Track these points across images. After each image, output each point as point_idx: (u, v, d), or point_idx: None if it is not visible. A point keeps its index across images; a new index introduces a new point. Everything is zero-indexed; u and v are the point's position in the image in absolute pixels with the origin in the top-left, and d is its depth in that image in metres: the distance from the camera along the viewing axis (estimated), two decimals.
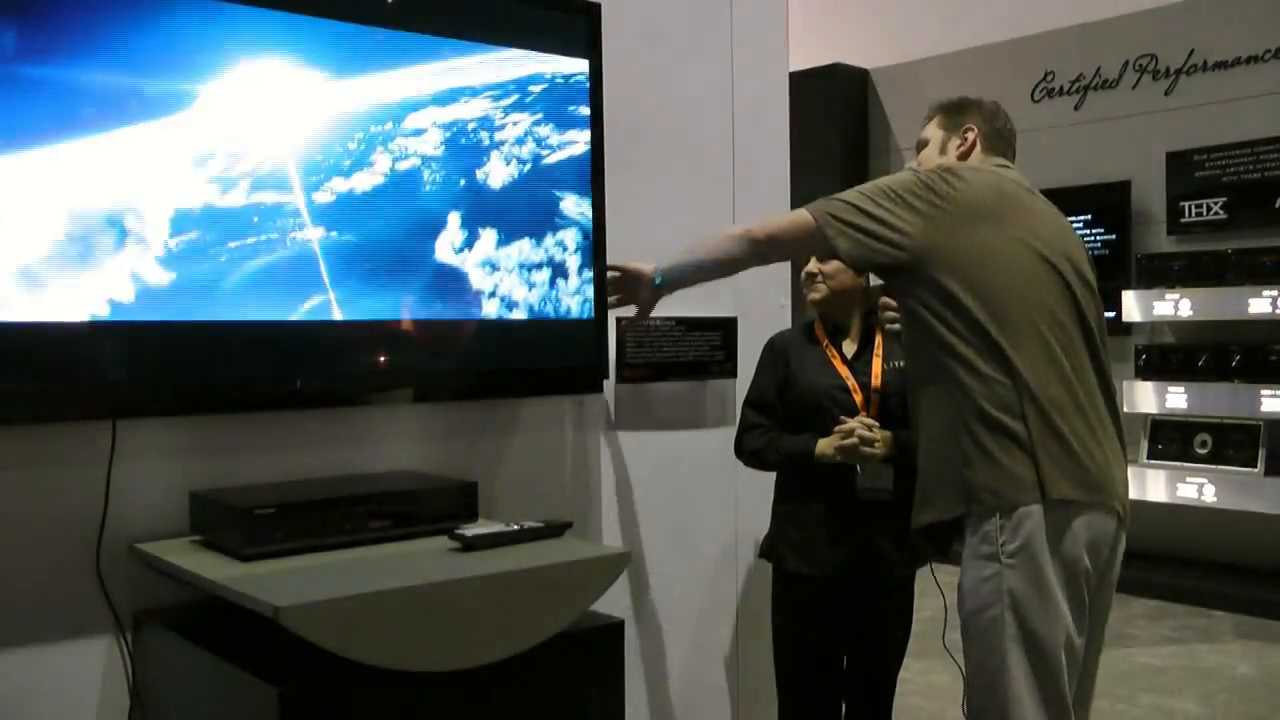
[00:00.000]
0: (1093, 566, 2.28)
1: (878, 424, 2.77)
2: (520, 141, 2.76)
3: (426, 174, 2.61)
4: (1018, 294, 2.28)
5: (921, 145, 2.70)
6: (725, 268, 2.67)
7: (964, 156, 2.60)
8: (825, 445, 2.78)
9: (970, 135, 2.62)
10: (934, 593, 3.03)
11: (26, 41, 2.13)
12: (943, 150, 2.64)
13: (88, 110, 2.19)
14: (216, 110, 2.33)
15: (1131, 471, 6.58)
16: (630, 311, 2.86)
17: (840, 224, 2.37)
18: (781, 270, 3.44)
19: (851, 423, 2.75)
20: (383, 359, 2.60)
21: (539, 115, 2.79)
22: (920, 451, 2.42)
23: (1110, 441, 2.35)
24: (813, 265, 2.92)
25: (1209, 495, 6.21)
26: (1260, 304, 6.02)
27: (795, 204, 3.51)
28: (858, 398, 2.83)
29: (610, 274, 2.84)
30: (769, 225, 2.53)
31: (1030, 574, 2.21)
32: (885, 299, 2.86)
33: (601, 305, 2.89)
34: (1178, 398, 6.37)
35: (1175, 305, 6.35)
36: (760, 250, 2.53)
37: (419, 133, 2.59)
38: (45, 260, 2.14)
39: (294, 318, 2.43)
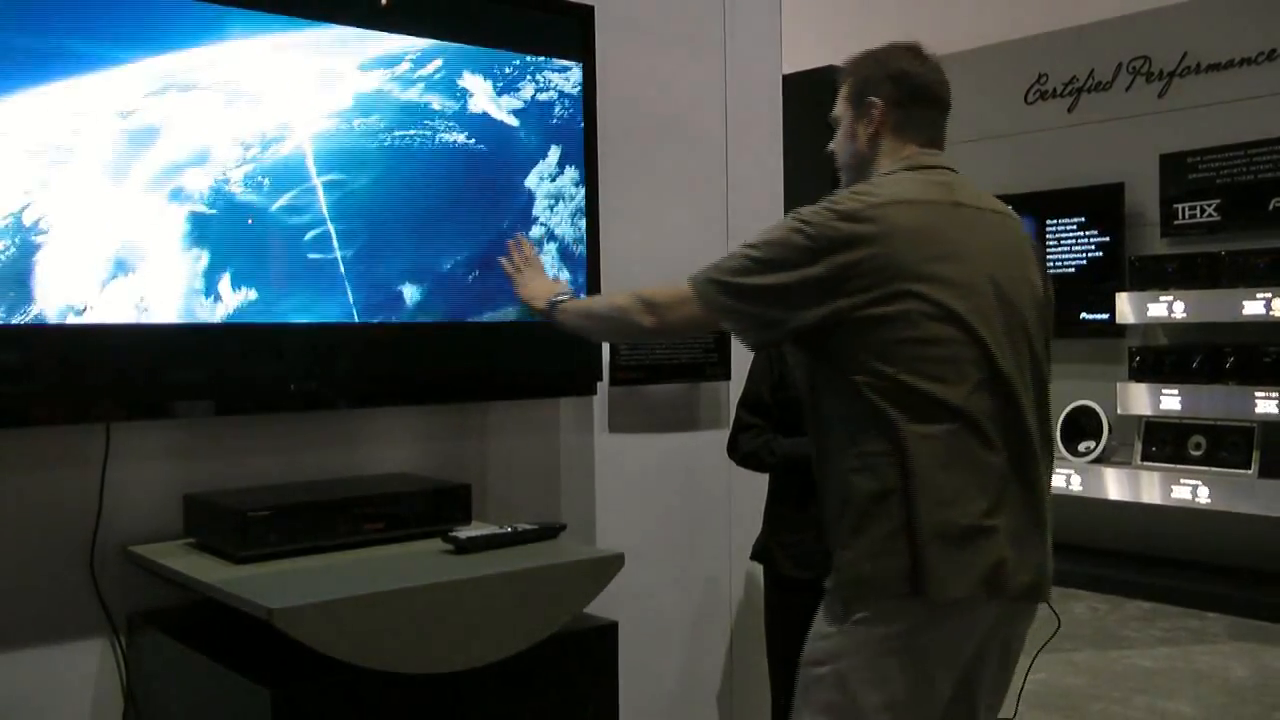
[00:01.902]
0: (956, 659, 2.00)
1: None
2: (514, 144, 2.76)
3: (421, 176, 2.61)
4: (928, 374, 1.94)
5: (835, 126, 2.27)
6: (614, 327, 2.42)
7: (873, 140, 2.17)
8: None
9: (875, 112, 2.16)
10: None
11: None
12: (852, 135, 2.21)
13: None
14: (193, 112, 2.34)
15: (1126, 473, 6.61)
16: None
17: (732, 307, 2.05)
18: None
19: None
20: (376, 361, 2.60)
21: (533, 118, 2.79)
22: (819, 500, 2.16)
23: (1031, 517, 2.01)
24: None
25: (1203, 497, 6.22)
26: (1254, 306, 6.03)
27: (788, 208, 3.53)
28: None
29: (519, 249, 2.66)
30: (656, 296, 2.20)
31: (874, 656, 1.96)
32: None
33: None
34: (1171, 399, 6.38)
35: (1169, 307, 6.36)
36: (655, 325, 2.21)
37: (413, 134, 2.59)
38: (37, 263, 2.14)
39: (287, 320, 2.43)
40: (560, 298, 2.48)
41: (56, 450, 2.29)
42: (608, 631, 2.38)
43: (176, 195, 2.29)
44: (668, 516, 3.28)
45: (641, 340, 2.53)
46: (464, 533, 2.33)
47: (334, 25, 2.49)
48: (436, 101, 2.63)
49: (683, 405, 3.33)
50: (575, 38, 2.87)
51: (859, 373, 1.96)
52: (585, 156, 2.88)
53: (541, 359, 2.87)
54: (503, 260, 2.67)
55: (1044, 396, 2.11)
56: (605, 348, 3.05)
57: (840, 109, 2.24)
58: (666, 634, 3.28)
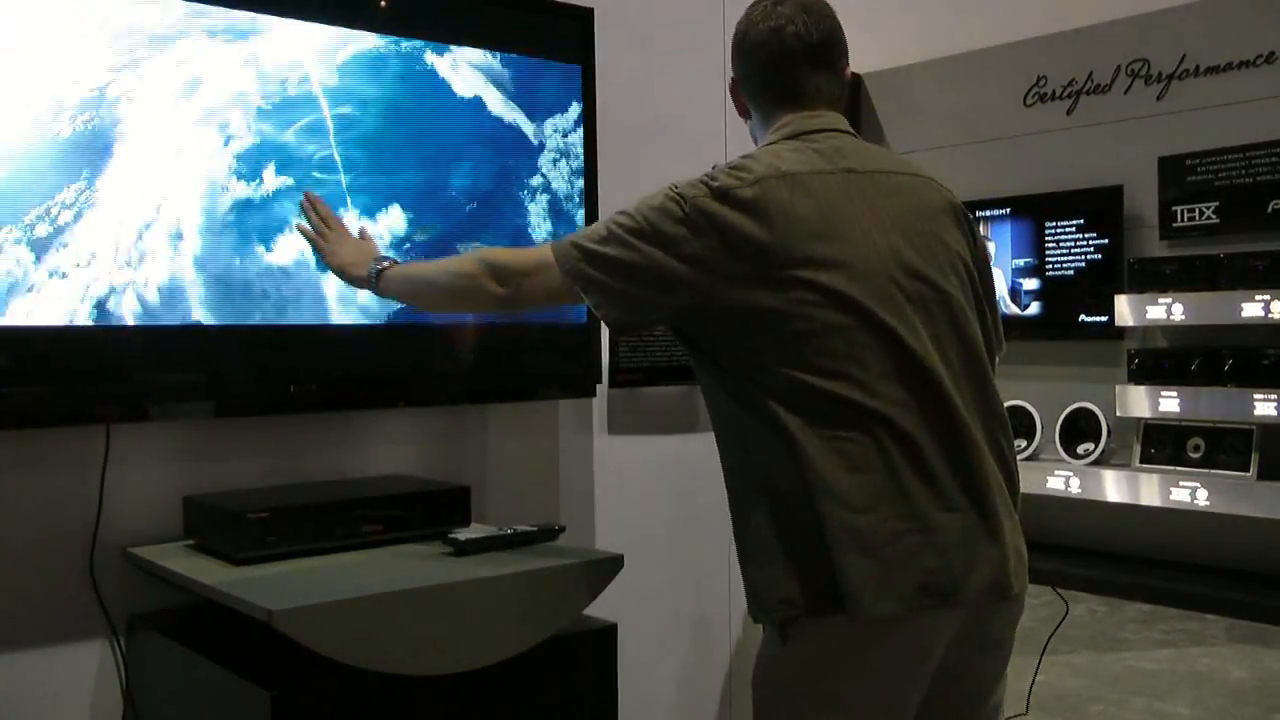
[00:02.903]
0: (924, 675, 1.83)
1: None
2: (514, 146, 2.76)
3: (419, 177, 2.61)
4: (826, 370, 1.75)
5: None
6: (455, 296, 2.11)
7: (743, 114, 2.03)
8: None
9: (734, 85, 2.00)
10: None
11: None
12: (740, 114, 2.04)
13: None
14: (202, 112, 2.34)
15: (1124, 476, 6.58)
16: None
17: (593, 278, 1.85)
18: None
19: None
20: (375, 363, 2.60)
21: (532, 119, 2.79)
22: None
23: (980, 512, 1.80)
24: None
25: (1202, 499, 6.20)
26: (1253, 308, 6.02)
27: None
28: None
29: (314, 209, 2.34)
30: (509, 261, 1.97)
31: (813, 678, 1.81)
32: None
33: None
34: (1170, 402, 6.36)
35: (1167, 309, 6.35)
36: (507, 295, 1.97)
37: (411, 135, 2.59)
38: (36, 264, 2.14)
39: (287, 321, 2.43)
40: (382, 264, 2.19)
41: (56, 452, 2.29)
42: (607, 633, 2.39)
43: (177, 195, 2.29)
44: (667, 518, 3.28)
45: (489, 313, 2.32)
46: (463, 534, 2.33)
47: (332, 26, 2.49)
48: (441, 101, 2.63)
49: (682, 407, 3.33)
50: (575, 39, 2.87)
51: (749, 374, 1.78)
52: (585, 158, 2.88)
53: (541, 361, 2.87)
54: (298, 223, 2.34)
55: (980, 367, 1.87)
56: (605, 350, 3.05)
57: None
58: (666, 635, 3.28)
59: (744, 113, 2.02)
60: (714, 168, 1.86)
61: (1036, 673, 2.65)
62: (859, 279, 1.77)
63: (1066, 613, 2.56)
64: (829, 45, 1.93)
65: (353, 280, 2.27)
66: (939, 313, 1.84)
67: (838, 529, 1.72)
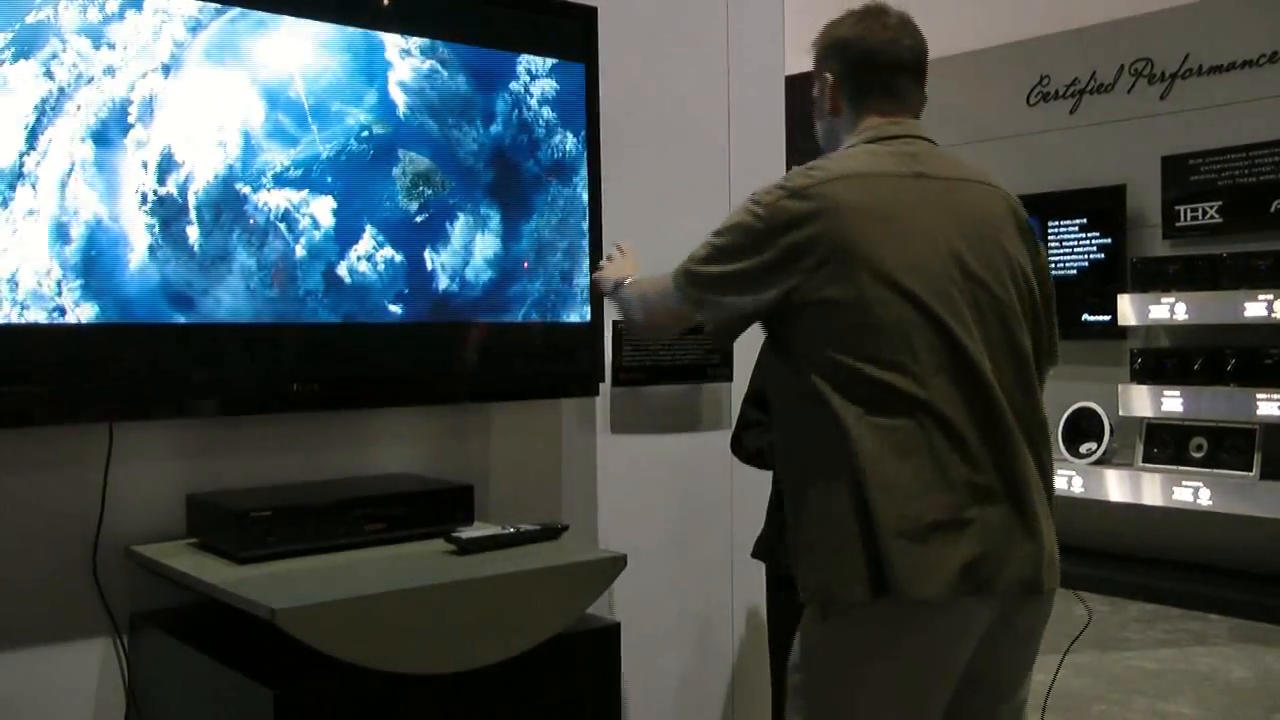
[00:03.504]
0: (955, 663, 1.89)
1: None
2: (515, 145, 2.76)
3: (420, 178, 2.61)
4: (881, 361, 1.84)
5: None
6: (628, 321, 2.40)
7: (833, 115, 2.10)
8: None
9: (827, 87, 2.08)
10: None
11: None
12: (818, 114, 2.14)
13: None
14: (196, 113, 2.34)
15: (1127, 475, 6.61)
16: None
17: (698, 297, 2.01)
18: None
19: None
20: (379, 362, 2.60)
21: (534, 119, 2.79)
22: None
23: (1016, 506, 1.88)
24: None
25: (1204, 499, 6.21)
26: (1255, 308, 6.03)
27: None
28: None
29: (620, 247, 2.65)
30: (650, 289, 2.20)
31: (850, 661, 1.88)
32: None
33: (598, 308, 2.89)
34: (1173, 401, 6.37)
35: (1171, 309, 6.36)
36: (644, 321, 2.27)
37: (412, 135, 2.60)
38: (39, 262, 2.14)
39: (290, 320, 2.43)
40: (628, 280, 2.41)
41: (59, 450, 2.29)
42: (610, 632, 2.38)
43: (178, 194, 2.29)
44: (670, 517, 3.28)
45: (646, 335, 2.56)
46: (466, 533, 2.33)
47: (334, 25, 2.49)
48: (445, 101, 2.63)
49: (685, 406, 3.33)
50: (578, 38, 2.87)
51: (813, 363, 1.87)
52: (587, 157, 2.88)
53: (544, 360, 2.87)
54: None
55: (1026, 373, 1.95)
56: (608, 349, 3.05)
57: (813, 90, 2.15)
58: (668, 635, 3.28)
59: (834, 109, 2.09)
60: (791, 170, 1.98)
61: (1055, 677, 2.64)
62: (919, 277, 1.86)
63: (1090, 620, 2.56)
64: (925, 62, 2.08)
65: (602, 291, 2.56)
66: (992, 316, 1.92)
67: (883, 514, 1.80)
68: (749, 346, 3.13)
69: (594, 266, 2.83)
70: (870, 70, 2.03)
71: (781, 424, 2.03)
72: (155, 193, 2.26)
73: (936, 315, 1.86)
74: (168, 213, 2.28)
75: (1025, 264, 2.01)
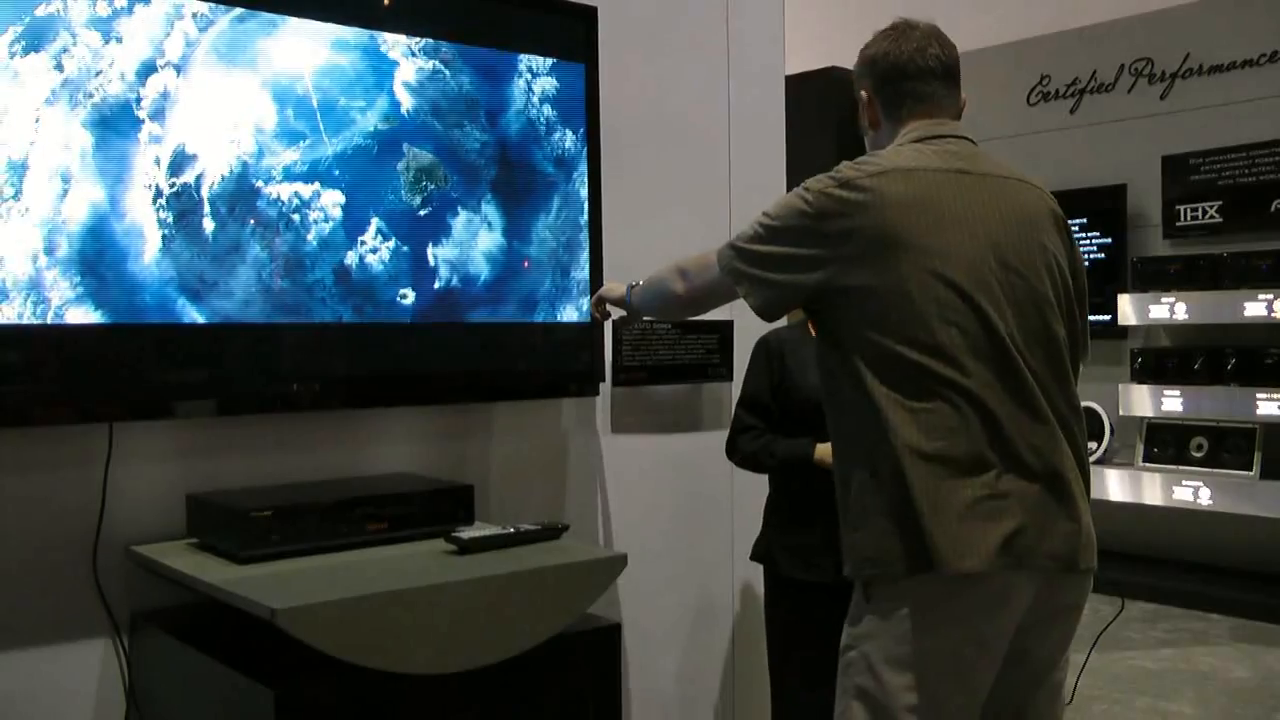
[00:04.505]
0: (999, 636, 1.97)
1: None
2: (515, 145, 2.76)
3: (421, 178, 2.61)
4: (920, 344, 1.93)
5: None
6: (659, 298, 2.45)
7: (875, 128, 2.19)
8: (826, 452, 2.70)
9: (865, 102, 2.19)
10: None
11: None
12: (862, 129, 2.24)
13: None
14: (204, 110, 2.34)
15: (1128, 475, 6.60)
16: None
17: (744, 272, 2.09)
18: None
19: None
20: (379, 361, 2.60)
21: (535, 118, 2.79)
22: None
23: (1050, 486, 1.96)
24: None
25: (1204, 498, 6.21)
26: (1255, 307, 6.03)
27: None
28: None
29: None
30: (688, 263, 2.29)
31: (896, 637, 1.95)
32: None
33: None
34: (1173, 401, 6.37)
35: (1171, 309, 6.36)
36: (685, 292, 2.31)
37: (413, 135, 2.60)
38: (41, 261, 2.14)
39: (290, 320, 2.43)
40: (635, 284, 2.55)
41: (59, 450, 2.29)
42: (611, 632, 2.38)
43: (178, 194, 2.29)
44: (670, 517, 3.28)
45: (678, 310, 2.60)
46: (467, 533, 2.33)
47: (334, 24, 2.49)
48: (446, 101, 2.63)
49: (685, 406, 3.33)
50: (578, 38, 2.87)
51: (857, 347, 1.97)
52: (588, 157, 2.88)
53: (544, 360, 2.87)
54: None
55: (1060, 362, 2.05)
56: (609, 349, 3.05)
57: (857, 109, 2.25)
58: (668, 634, 3.28)
59: (873, 124, 2.20)
60: (840, 163, 2.06)
61: (1083, 668, 2.67)
62: (959, 266, 1.95)
63: (1121, 608, 2.60)
64: (956, 68, 2.19)
65: (613, 301, 2.66)
66: (1029, 307, 2.01)
67: (923, 492, 1.89)
68: (745, 351, 3.14)
69: (595, 267, 2.86)
70: (900, 81, 2.13)
71: (831, 408, 2.11)
72: (159, 191, 2.26)
73: (975, 302, 1.95)
74: (171, 212, 2.28)
75: (1061, 259, 2.11)
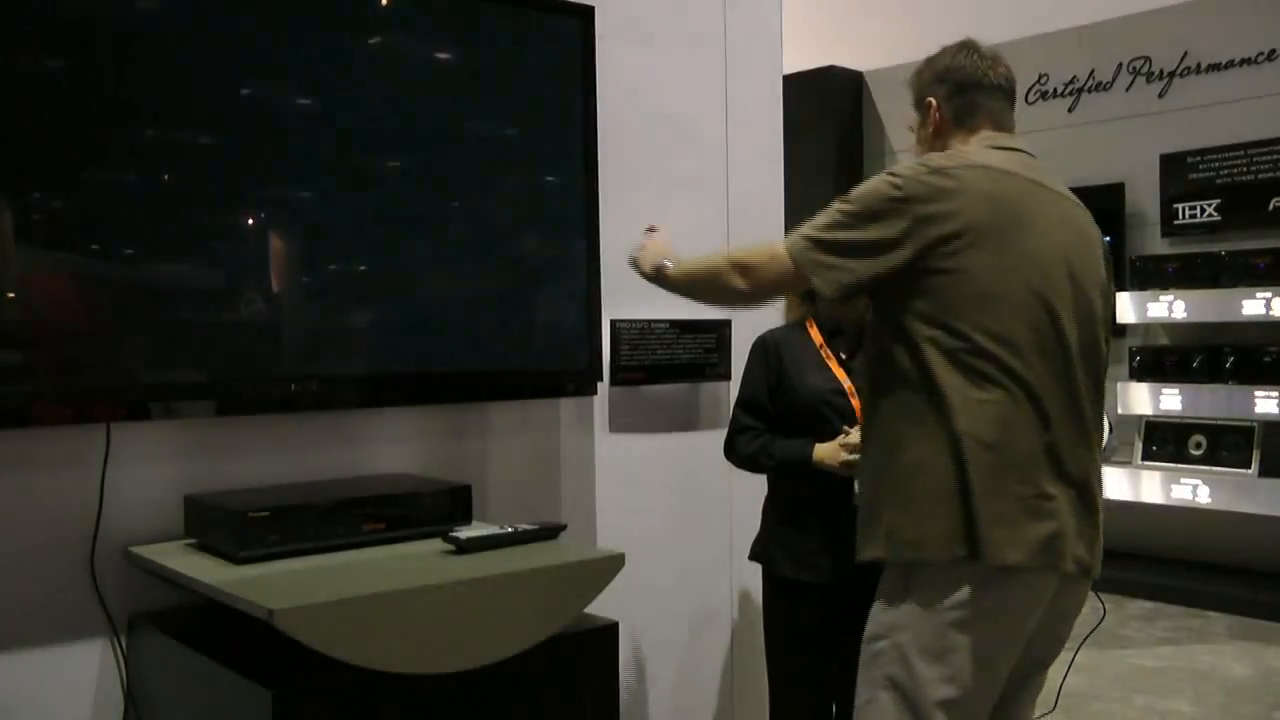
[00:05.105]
0: (1025, 634, 2.07)
1: None
2: (514, 144, 2.76)
3: (420, 177, 2.61)
4: (992, 333, 2.00)
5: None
6: (709, 289, 2.39)
7: (938, 135, 2.26)
8: (825, 453, 2.72)
9: (932, 110, 2.27)
10: None
11: None
12: (921, 139, 2.31)
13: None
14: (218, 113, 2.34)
15: (1126, 473, 6.61)
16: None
17: (821, 261, 2.10)
18: None
19: (855, 436, 2.70)
20: (376, 361, 2.60)
21: (533, 118, 2.79)
22: (862, 465, 2.21)
23: (1081, 493, 2.07)
24: None
25: (1203, 496, 6.22)
26: (1254, 305, 6.03)
27: (788, 208, 3.53)
28: (856, 403, 2.79)
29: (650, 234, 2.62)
30: (747, 258, 2.24)
31: (933, 628, 2.01)
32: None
33: (596, 308, 2.89)
34: (1172, 399, 6.38)
35: (1169, 307, 6.36)
36: (748, 287, 2.26)
37: (411, 134, 2.60)
38: (37, 261, 2.14)
39: (288, 320, 2.43)
40: (667, 262, 2.46)
41: (57, 451, 2.29)
42: (608, 632, 2.38)
43: (179, 194, 2.29)
44: (668, 517, 3.28)
45: (734, 304, 2.54)
46: (464, 533, 2.33)
47: (321, 34, 2.49)
48: (447, 100, 2.63)
49: (683, 405, 3.33)
50: (576, 38, 2.87)
51: (925, 330, 2.02)
52: (585, 156, 2.88)
53: (542, 359, 2.87)
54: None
55: (1099, 378, 2.16)
56: (606, 348, 3.05)
57: (913, 122, 2.33)
58: (666, 634, 3.28)
59: (940, 131, 2.27)
60: (927, 154, 2.16)
61: (1067, 672, 2.69)
62: (1038, 268, 2.04)
63: (1103, 615, 2.67)
64: (1014, 90, 2.31)
65: (641, 272, 2.52)
66: (1085, 320, 2.12)
67: (979, 480, 1.96)
68: (744, 351, 3.15)
69: (592, 266, 2.84)
70: (972, 94, 2.23)
71: (876, 388, 2.15)
72: (157, 188, 2.27)
73: (1050, 304, 2.04)
74: (169, 210, 2.28)
75: (1106, 281, 2.23)
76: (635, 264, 2.55)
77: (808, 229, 2.14)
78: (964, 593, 1.98)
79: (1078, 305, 2.09)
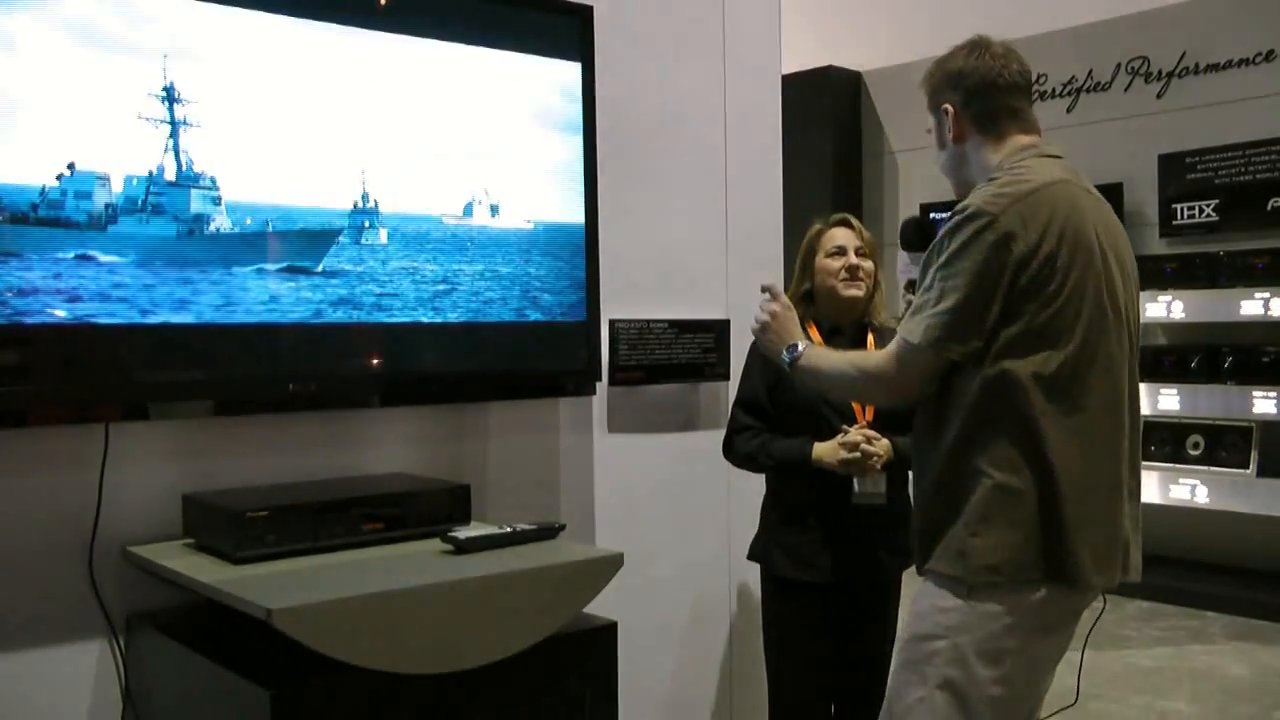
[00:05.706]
0: (1069, 637, 2.13)
1: (877, 434, 2.73)
2: (512, 143, 2.76)
3: (419, 177, 2.61)
4: (1074, 355, 1.99)
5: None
6: (850, 396, 2.60)
7: (959, 140, 2.19)
8: (824, 452, 2.73)
9: (950, 115, 2.19)
10: None
11: None
12: (941, 143, 2.24)
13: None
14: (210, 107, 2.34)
15: None
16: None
17: (945, 338, 2.02)
18: (774, 269, 3.44)
19: (854, 435, 2.71)
20: (375, 361, 2.60)
21: (532, 117, 2.79)
22: (918, 480, 2.17)
23: (1137, 503, 2.11)
24: (852, 258, 2.86)
25: (1201, 496, 6.22)
26: (1252, 306, 6.04)
27: (787, 207, 3.53)
28: (855, 403, 2.80)
29: (770, 303, 2.42)
30: (880, 371, 2.14)
31: (994, 632, 2.00)
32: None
33: (594, 308, 2.89)
34: (1170, 399, 6.38)
35: (1168, 307, 6.36)
36: (893, 398, 2.23)
37: (410, 134, 2.59)
38: (35, 259, 2.14)
39: (287, 320, 2.43)
40: (795, 353, 2.33)
41: (55, 451, 2.29)
42: (607, 631, 2.38)
43: (179, 193, 2.29)
44: (667, 516, 3.28)
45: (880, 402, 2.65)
46: (463, 533, 2.33)
47: (329, 24, 2.49)
48: (446, 98, 2.63)
49: (682, 405, 3.33)
50: (575, 38, 2.87)
51: (1016, 360, 1.97)
52: (585, 156, 2.88)
53: (541, 359, 2.87)
54: (758, 310, 2.43)
55: (1137, 388, 2.14)
56: (605, 346, 3.05)
57: (930, 124, 2.26)
58: (665, 634, 3.28)
59: (958, 137, 2.20)
60: (986, 184, 2.07)
61: (1081, 664, 2.72)
62: (1103, 281, 2.03)
63: (1103, 608, 2.65)
64: (1032, 84, 2.25)
65: (770, 355, 2.42)
66: (1136, 329, 2.14)
67: (1069, 505, 1.96)
68: (742, 351, 3.15)
69: (591, 266, 2.83)
70: (990, 95, 2.16)
71: (939, 410, 2.08)
72: (160, 193, 2.26)
73: (1125, 318, 2.06)
74: (169, 212, 2.28)
75: (1137, 292, 2.21)
76: (762, 344, 2.44)
77: (924, 315, 2.04)
78: (1033, 604, 2.00)
79: (1131, 316, 2.11)
